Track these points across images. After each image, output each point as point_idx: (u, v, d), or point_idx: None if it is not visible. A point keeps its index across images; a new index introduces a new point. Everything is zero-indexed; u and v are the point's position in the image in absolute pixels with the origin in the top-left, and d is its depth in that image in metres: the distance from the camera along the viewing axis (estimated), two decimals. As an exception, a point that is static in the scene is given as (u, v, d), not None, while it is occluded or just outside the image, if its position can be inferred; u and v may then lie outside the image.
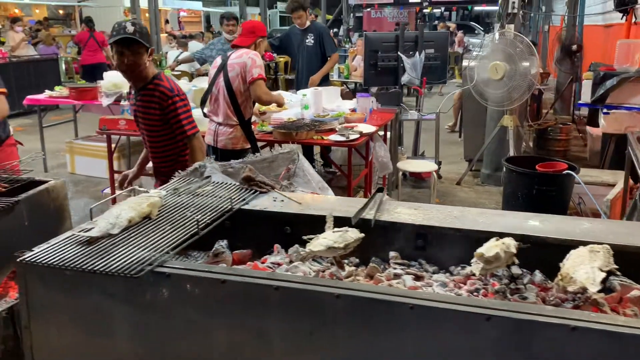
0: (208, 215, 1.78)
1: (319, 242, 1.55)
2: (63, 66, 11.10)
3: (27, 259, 1.50)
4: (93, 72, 11.50)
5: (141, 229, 1.67)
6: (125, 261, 1.45)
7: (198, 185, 2.11)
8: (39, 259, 1.49)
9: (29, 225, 1.77)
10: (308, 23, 5.38)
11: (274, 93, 3.98)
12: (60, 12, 20.07)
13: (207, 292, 1.40)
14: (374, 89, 5.94)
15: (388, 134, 5.13)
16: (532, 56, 4.72)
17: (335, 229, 1.65)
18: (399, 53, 6.15)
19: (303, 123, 4.04)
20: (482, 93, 5.11)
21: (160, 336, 1.45)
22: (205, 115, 3.86)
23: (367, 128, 4.06)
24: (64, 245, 1.57)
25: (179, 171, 2.20)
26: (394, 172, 4.84)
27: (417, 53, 6.17)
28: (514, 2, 5.13)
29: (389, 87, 6.32)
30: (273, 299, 1.34)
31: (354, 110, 4.68)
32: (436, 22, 25.78)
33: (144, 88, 2.66)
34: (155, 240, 1.59)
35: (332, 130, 4.03)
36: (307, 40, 5.35)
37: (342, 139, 3.81)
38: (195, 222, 1.69)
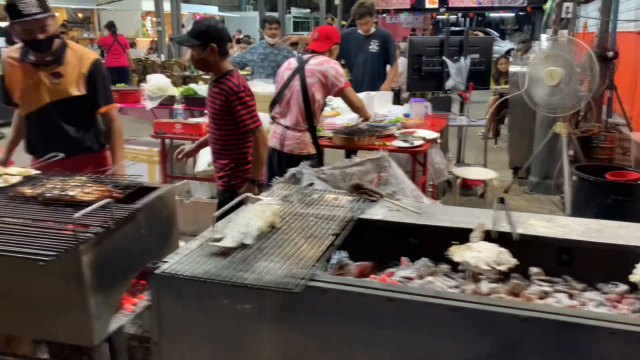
0: (333, 225, 1.69)
1: (476, 256, 1.45)
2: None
3: (164, 271, 1.41)
4: (117, 75, 11.54)
5: (273, 240, 1.58)
6: (275, 275, 1.36)
7: (305, 193, 2.02)
8: (178, 271, 1.40)
9: (146, 233, 1.68)
10: (373, 29, 5.28)
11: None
12: (80, 15, 20.12)
13: (370, 309, 1.30)
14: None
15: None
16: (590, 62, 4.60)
17: (486, 242, 1.55)
18: (443, 58, 6.08)
19: (363, 128, 3.94)
20: (533, 99, 5.00)
21: (314, 354, 1.35)
22: (272, 118, 3.77)
23: (429, 134, 3.97)
24: (199, 257, 1.48)
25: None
26: (446, 180, 4.73)
27: (462, 58, 6.09)
28: (568, 7, 5.03)
29: (433, 92, 6.26)
30: (448, 319, 1.24)
31: (405, 116, 4.58)
32: (451, 28, 25.66)
33: (216, 80, 2.86)
34: (293, 252, 1.50)
35: (391, 136, 3.93)
36: (370, 47, 5.24)
37: (406, 145, 3.72)
38: (328, 233, 1.61)
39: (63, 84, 2.54)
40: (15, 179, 1.81)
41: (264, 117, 4.24)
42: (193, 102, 5.00)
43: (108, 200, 1.53)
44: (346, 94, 3.58)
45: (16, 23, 2.40)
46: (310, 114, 3.51)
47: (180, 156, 3.18)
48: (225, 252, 1.49)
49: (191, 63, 2.94)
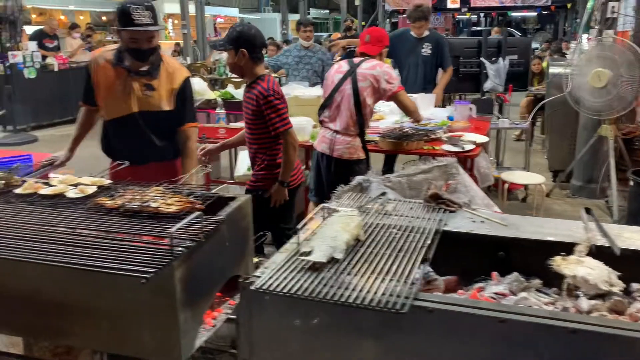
0: (420, 238, 1.63)
1: (591, 273, 1.38)
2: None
3: (259, 287, 1.36)
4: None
5: (362, 254, 1.52)
6: (376, 293, 1.30)
7: (379, 203, 1.96)
8: (273, 287, 1.35)
9: (229, 245, 1.64)
10: (426, 32, 5.19)
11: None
12: (104, 19, 20.32)
13: (480, 331, 1.24)
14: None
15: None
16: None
17: (591, 258, 1.48)
18: (481, 59, 5.98)
19: (409, 132, 3.87)
20: (578, 101, 4.88)
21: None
22: (320, 122, 3.71)
23: (478, 138, 3.88)
24: (289, 271, 1.43)
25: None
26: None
27: (500, 59, 5.98)
28: (613, 7, 4.90)
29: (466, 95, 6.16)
30: (568, 341, 1.17)
31: (448, 119, 4.50)
32: (472, 28, 25.37)
33: (249, 85, 2.95)
34: (386, 267, 1.45)
35: (438, 140, 3.86)
36: (422, 50, 5.15)
37: (456, 149, 3.64)
38: (418, 246, 1.55)
39: (154, 97, 2.54)
40: (90, 190, 1.78)
41: (307, 120, 4.22)
42: (231, 106, 4.97)
43: (199, 212, 1.49)
44: (399, 98, 3.52)
45: (125, 30, 2.41)
46: (361, 119, 3.45)
47: (202, 154, 3.22)
48: (315, 267, 1.44)
49: (229, 69, 3.00)
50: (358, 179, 2.22)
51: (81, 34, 10.27)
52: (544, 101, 5.42)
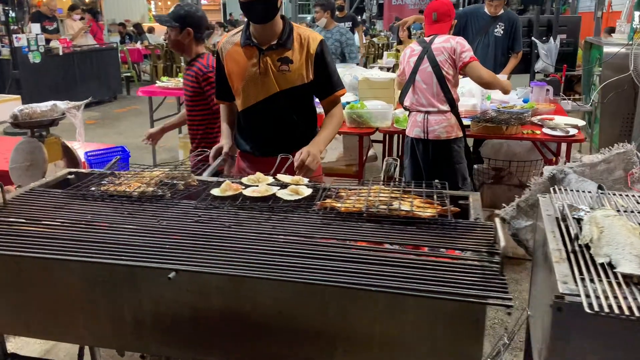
0: None
1: None
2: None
3: (592, 307, 1.12)
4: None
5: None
6: None
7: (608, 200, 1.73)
8: (609, 306, 1.12)
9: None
10: (501, 11, 4.91)
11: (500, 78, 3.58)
12: (86, 0, 19.44)
13: None
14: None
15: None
16: None
17: None
18: (532, 38, 5.78)
19: (492, 115, 3.64)
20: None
21: None
22: (405, 108, 3.49)
23: (571, 120, 3.69)
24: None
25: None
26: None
27: (551, 38, 5.80)
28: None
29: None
30: None
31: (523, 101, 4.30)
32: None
33: (188, 63, 2.92)
34: None
35: (533, 124, 3.65)
36: (495, 30, 4.89)
37: (560, 133, 3.44)
38: None
39: (293, 71, 2.21)
40: (306, 190, 1.50)
41: (385, 105, 3.96)
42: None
43: (492, 223, 1.24)
44: (473, 68, 3.23)
45: None
46: (449, 93, 3.26)
47: (146, 137, 3.18)
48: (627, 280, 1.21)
49: (169, 45, 2.96)
50: (549, 170, 1.99)
51: (81, 16, 9.68)
52: (604, 83, 5.24)
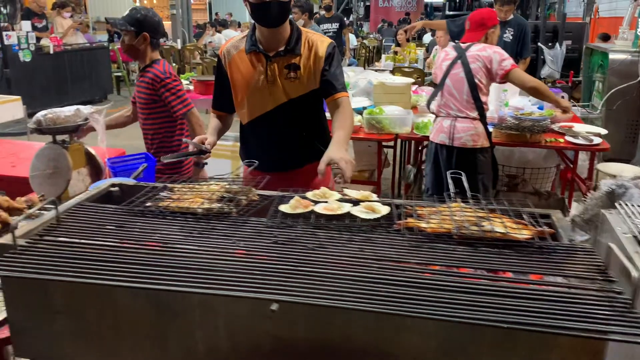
0: None
1: None
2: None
3: None
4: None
5: None
6: None
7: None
8: None
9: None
10: (511, 16, 4.88)
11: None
12: (70, -3, 19.04)
13: None
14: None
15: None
16: None
17: None
18: (539, 44, 5.79)
19: (530, 123, 3.60)
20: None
21: None
22: (432, 112, 3.44)
23: (592, 128, 3.67)
24: None
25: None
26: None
27: (557, 44, 5.81)
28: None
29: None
30: None
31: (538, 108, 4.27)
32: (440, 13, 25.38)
33: (142, 70, 2.81)
34: None
35: (552, 132, 3.62)
36: (504, 35, 4.85)
37: (583, 142, 3.41)
38: None
39: (302, 78, 2.10)
40: (383, 208, 1.41)
41: (403, 111, 3.90)
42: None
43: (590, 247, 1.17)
44: (516, 75, 3.20)
45: None
46: (479, 102, 3.21)
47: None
48: None
49: (123, 49, 2.86)
50: (607, 184, 1.94)
51: (72, 13, 9.44)
52: (612, 90, 5.26)
